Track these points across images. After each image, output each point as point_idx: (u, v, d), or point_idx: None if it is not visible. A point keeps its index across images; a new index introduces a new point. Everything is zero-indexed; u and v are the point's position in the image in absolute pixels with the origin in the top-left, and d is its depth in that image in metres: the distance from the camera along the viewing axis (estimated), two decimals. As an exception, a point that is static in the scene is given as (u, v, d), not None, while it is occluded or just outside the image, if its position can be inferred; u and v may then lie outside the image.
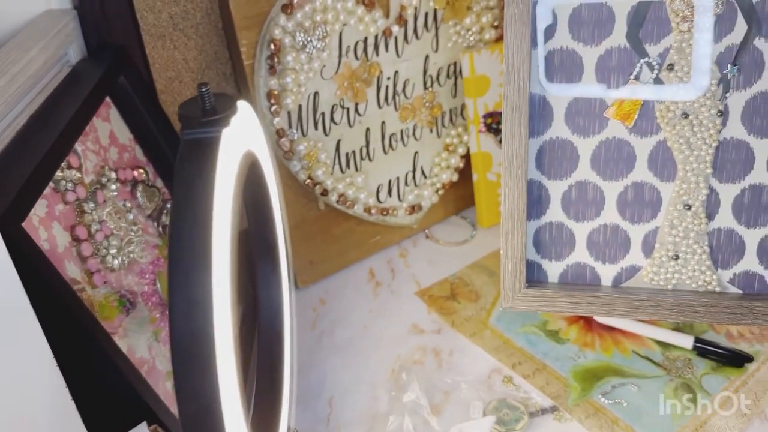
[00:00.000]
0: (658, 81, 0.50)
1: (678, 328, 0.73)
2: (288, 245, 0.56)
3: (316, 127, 0.76)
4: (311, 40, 0.72)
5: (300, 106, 0.74)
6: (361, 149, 0.81)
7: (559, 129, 0.53)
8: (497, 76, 0.83)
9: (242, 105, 0.41)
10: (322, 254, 0.83)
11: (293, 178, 0.77)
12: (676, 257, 0.54)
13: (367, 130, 0.80)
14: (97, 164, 0.58)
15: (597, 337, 0.73)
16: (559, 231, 0.56)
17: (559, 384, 0.68)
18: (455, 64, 0.84)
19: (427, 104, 0.84)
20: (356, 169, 0.81)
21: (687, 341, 0.70)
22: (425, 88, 0.83)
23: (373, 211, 0.84)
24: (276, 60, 0.70)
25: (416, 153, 0.86)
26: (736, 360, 0.69)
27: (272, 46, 0.70)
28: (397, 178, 0.85)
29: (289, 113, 0.73)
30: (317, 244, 0.82)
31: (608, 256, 0.56)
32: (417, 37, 0.80)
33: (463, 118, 0.88)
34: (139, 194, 0.62)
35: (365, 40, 0.76)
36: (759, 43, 0.49)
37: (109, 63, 0.62)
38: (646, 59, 0.51)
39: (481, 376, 0.70)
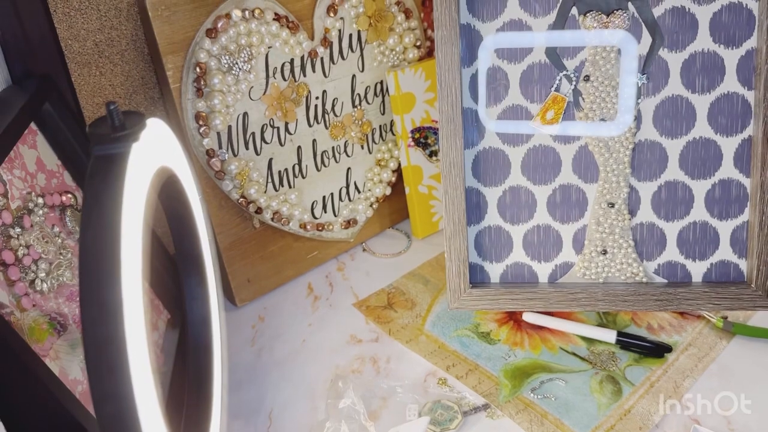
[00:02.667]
0: (576, 91, 0.55)
1: (601, 324, 0.77)
2: (216, 260, 0.58)
3: (246, 147, 0.78)
4: (237, 63, 0.74)
5: (229, 127, 0.76)
6: (293, 167, 0.83)
7: (491, 139, 0.58)
8: (422, 93, 0.87)
9: (154, 122, 0.43)
10: (259, 272, 0.84)
11: (226, 197, 0.78)
12: (605, 252, 0.59)
13: (299, 148, 0.83)
14: (24, 190, 0.59)
15: (526, 336, 0.76)
16: (497, 234, 0.60)
17: (490, 383, 0.71)
18: (382, 82, 0.88)
19: (356, 122, 0.87)
20: (290, 187, 0.83)
21: (610, 336, 0.74)
22: (354, 106, 0.86)
23: (308, 227, 0.86)
24: (203, 82, 0.72)
25: (349, 169, 0.88)
26: (657, 351, 0.73)
27: (198, 69, 0.72)
28: (331, 194, 0.87)
29: (218, 134, 0.75)
30: (254, 262, 0.83)
31: (543, 254, 0.61)
32: (343, 58, 0.83)
33: (393, 134, 0.91)
34: (68, 219, 0.63)
35: (291, 61, 0.79)
36: (663, 53, 0.55)
37: (34, 91, 0.63)
38: (565, 72, 0.56)
39: (417, 380, 0.72)
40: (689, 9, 0.54)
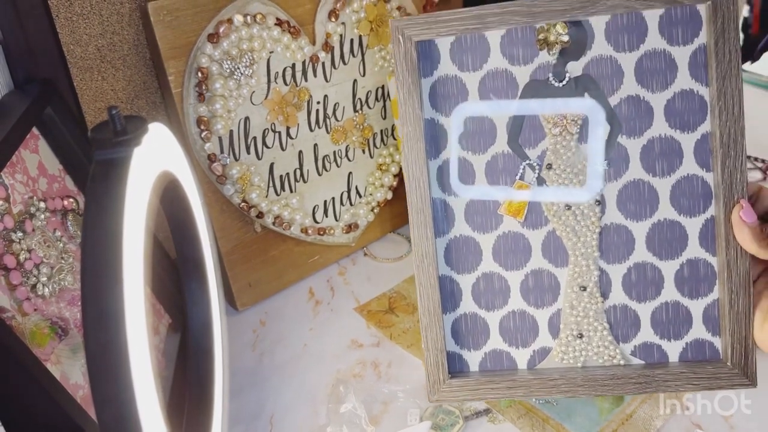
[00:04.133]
0: (540, 180, 0.58)
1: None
2: (217, 264, 0.58)
3: (248, 152, 0.78)
4: (239, 68, 0.74)
5: (231, 132, 0.76)
6: (294, 171, 0.83)
7: (461, 227, 0.59)
8: (423, 96, 0.87)
9: (156, 126, 0.43)
10: (260, 276, 0.84)
11: (228, 202, 0.78)
12: (581, 336, 0.59)
13: (300, 152, 0.83)
14: (26, 195, 0.59)
15: (527, 340, 0.76)
16: (473, 321, 0.61)
17: (492, 387, 0.71)
18: (383, 87, 0.88)
19: (358, 126, 0.87)
20: (291, 191, 0.83)
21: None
22: (355, 110, 0.86)
23: (310, 232, 0.86)
24: (204, 87, 0.72)
25: (350, 173, 0.88)
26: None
27: (200, 74, 0.72)
28: (333, 199, 0.87)
29: (220, 138, 0.75)
30: (255, 266, 0.83)
31: (520, 340, 0.61)
32: (344, 63, 0.84)
33: (394, 138, 0.91)
34: (69, 223, 0.63)
35: (293, 66, 0.79)
36: (622, 140, 0.57)
37: (36, 95, 0.63)
38: (528, 161, 0.58)
39: (418, 385, 0.72)
40: (643, 97, 0.56)
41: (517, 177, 0.58)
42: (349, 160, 0.88)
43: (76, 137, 0.65)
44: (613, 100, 0.57)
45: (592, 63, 0.56)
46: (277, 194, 0.82)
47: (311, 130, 0.83)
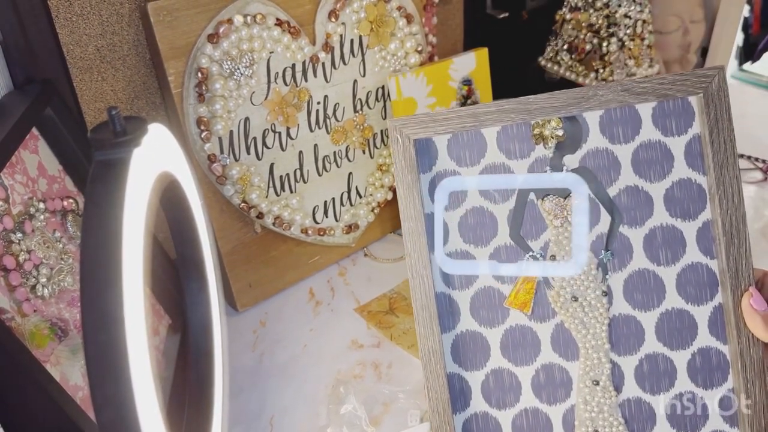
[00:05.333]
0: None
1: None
2: (217, 265, 0.58)
3: (248, 152, 0.78)
4: (239, 68, 0.74)
5: (231, 132, 0.76)
6: (295, 172, 0.83)
7: (467, 322, 0.58)
8: (423, 97, 0.87)
9: (156, 127, 0.43)
10: (260, 277, 0.84)
11: (228, 202, 0.78)
12: None
13: (300, 153, 0.83)
14: (25, 195, 0.59)
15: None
16: (485, 421, 0.58)
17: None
18: (383, 87, 0.88)
19: (358, 126, 0.87)
20: (291, 192, 0.83)
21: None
22: (355, 111, 0.86)
23: (310, 232, 0.86)
24: (204, 88, 0.72)
25: (350, 174, 0.88)
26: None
27: (200, 75, 0.72)
28: (333, 199, 0.87)
29: (219, 139, 0.75)
30: (255, 267, 0.83)
31: None
32: (344, 63, 0.83)
33: (394, 139, 0.91)
34: (69, 224, 0.63)
35: (293, 66, 0.79)
36: (623, 229, 0.57)
37: (36, 96, 0.63)
38: (531, 253, 0.57)
39: (418, 386, 0.72)
40: (642, 187, 0.56)
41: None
42: (349, 160, 0.88)
43: (76, 138, 0.65)
44: (612, 191, 0.57)
45: (588, 155, 0.57)
46: (277, 195, 0.82)
47: (311, 131, 0.83)
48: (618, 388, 0.57)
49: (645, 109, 0.56)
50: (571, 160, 0.56)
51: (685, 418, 0.57)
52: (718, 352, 0.56)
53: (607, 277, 0.57)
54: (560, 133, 0.56)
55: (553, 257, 0.57)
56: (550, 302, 0.57)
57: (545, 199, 0.57)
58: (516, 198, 0.57)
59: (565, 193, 0.57)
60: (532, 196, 0.57)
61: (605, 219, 0.57)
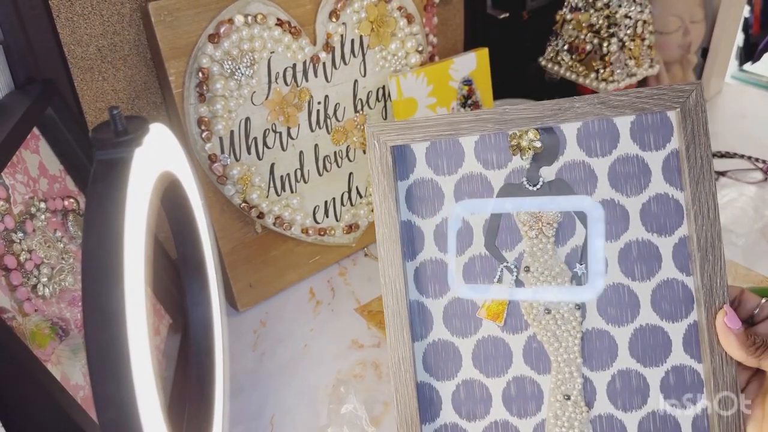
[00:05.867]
0: (518, 282, 0.57)
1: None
2: (218, 265, 0.58)
3: (249, 152, 0.78)
4: (239, 68, 0.74)
5: (232, 132, 0.76)
6: (295, 171, 0.83)
7: (439, 331, 0.57)
8: (424, 98, 0.87)
9: (157, 126, 0.43)
10: (261, 277, 0.84)
11: (228, 202, 0.78)
12: None
13: (301, 153, 0.83)
14: (26, 195, 0.59)
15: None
16: None
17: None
18: (383, 87, 0.88)
19: (358, 127, 0.87)
20: (292, 191, 0.83)
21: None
22: (356, 111, 0.86)
23: (310, 232, 0.86)
24: (205, 88, 0.72)
25: (351, 174, 0.88)
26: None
27: (200, 75, 0.72)
28: (333, 199, 0.87)
29: (220, 139, 0.75)
30: (256, 266, 0.83)
31: None
32: (345, 63, 0.83)
33: (395, 139, 0.91)
34: (70, 224, 0.63)
35: (294, 66, 0.79)
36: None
37: (37, 96, 0.63)
38: (505, 264, 0.57)
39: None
40: (618, 201, 0.56)
41: (495, 279, 0.57)
42: (349, 160, 0.88)
43: (77, 137, 0.65)
44: None
45: (565, 168, 0.56)
46: (278, 194, 0.82)
47: (312, 131, 0.83)
48: (590, 404, 0.56)
49: (623, 123, 0.55)
50: (548, 171, 0.56)
51: None
52: (693, 370, 0.55)
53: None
54: (538, 144, 0.56)
55: (527, 268, 0.57)
56: (523, 314, 0.57)
57: (521, 211, 0.57)
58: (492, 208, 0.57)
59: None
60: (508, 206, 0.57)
61: (580, 232, 0.56)
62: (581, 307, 0.56)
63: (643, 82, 1.22)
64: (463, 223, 0.57)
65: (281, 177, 0.82)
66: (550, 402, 0.56)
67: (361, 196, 0.90)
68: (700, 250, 0.54)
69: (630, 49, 1.08)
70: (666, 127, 0.55)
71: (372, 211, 0.91)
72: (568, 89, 1.10)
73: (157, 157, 0.42)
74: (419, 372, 0.57)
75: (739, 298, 0.54)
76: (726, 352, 0.52)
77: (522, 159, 0.56)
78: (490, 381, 0.57)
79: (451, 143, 0.57)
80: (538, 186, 0.56)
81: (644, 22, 1.09)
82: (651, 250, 0.56)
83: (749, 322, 0.53)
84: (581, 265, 0.56)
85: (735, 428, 0.53)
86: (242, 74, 0.74)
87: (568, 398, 0.56)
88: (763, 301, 0.53)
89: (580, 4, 1.06)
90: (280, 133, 0.80)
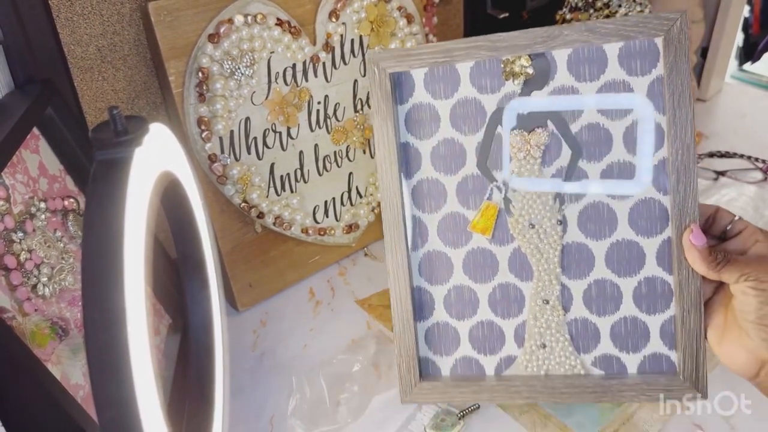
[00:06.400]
0: (506, 199, 0.62)
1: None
2: (218, 265, 0.58)
3: (248, 152, 0.78)
4: (239, 68, 0.74)
5: (231, 132, 0.76)
6: (295, 171, 0.83)
7: (434, 243, 0.64)
8: (424, 96, 0.87)
9: (157, 126, 0.43)
10: (261, 276, 0.84)
11: (228, 202, 0.78)
12: (544, 346, 0.63)
13: (301, 152, 0.83)
14: (26, 195, 0.59)
15: (528, 341, 0.76)
16: (445, 330, 0.65)
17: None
18: (383, 86, 0.87)
19: (358, 126, 0.87)
20: (291, 191, 0.83)
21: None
22: (356, 111, 0.86)
23: (310, 232, 0.86)
24: (205, 87, 0.72)
25: (351, 173, 0.88)
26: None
27: (200, 75, 0.72)
28: (333, 199, 0.87)
29: (220, 139, 0.75)
30: (256, 266, 0.83)
31: (488, 348, 0.64)
32: (345, 63, 0.83)
33: (395, 138, 0.91)
34: (70, 223, 0.63)
35: (294, 66, 0.79)
36: (582, 164, 0.61)
37: (36, 96, 0.63)
38: (495, 183, 0.62)
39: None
40: (603, 124, 0.59)
41: (486, 197, 0.62)
42: (349, 160, 0.88)
43: (77, 137, 0.65)
44: (575, 127, 0.60)
45: (554, 92, 0.59)
46: (278, 194, 0.82)
47: (312, 131, 0.83)
48: (566, 308, 0.62)
49: (612, 49, 0.58)
50: (539, 96, 0.60)
51: (627, 339, 0.62)
52: (663, 281, 0.60)
53: (564, 207, 0.61)
54: (530, 71, 0.59)
55: (515, 188, 0.62)
56: (510, 228, 0.62)
57: (511, 132, 0.61)
58: (485, 131, 0.61)
59: (529, 127, 0.60)
60: (499, 129, 0.61)
61: (566, 153, 0.60)
62: (563, 222, 0.61)
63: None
64: (457, 145, 0.62)
65: (281, 177, 0.82)
66: (530, 306, 0.63)
67: (361, 196, 0.90)
68: (674, 172, 0.57)
69: (630, 49, 1.07)
70: (652, 53, 0.57)
71: (372, 210, 0.91)
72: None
73: (157, 156, 0.42)
74: (415, 278, 0.64)
75: (714, 216, 0.58)
76: (691, 267, 0.57)
77: (514, 84, 0.60)
78: (478, 286, 0.64)
79: (448, 69, 0.60)
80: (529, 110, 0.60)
81: (644, 21, 1.08)
82: (631, 170, 0.60)
83: (722, 237, 0.58)
84: (565, 183, 0.61)
85: (697, 334, 0.59)
86: (242, 74, 0.74)
87: (547, 302, 0.62)
88: (737, 218, 0.57)
89: (579, 4, 1.06)
90: (280, 133, 0.80)
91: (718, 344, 0.57)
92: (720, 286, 0.58)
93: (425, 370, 0.65)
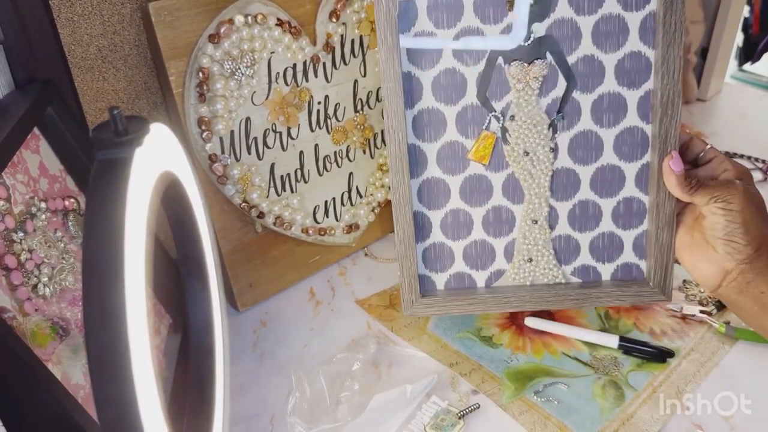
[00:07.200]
0: (503, 129, 0.66)
1: (604, 329, 0.77)
2: (218, 264, 0.58)
3: (249, 152, 0.78)
4: (240, 68, 0.74)
5: (232, 132, 0.76)
6: (295, 171, 0.83)
7: (433, 170, 0.68)
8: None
9: (157, 126, 0.43)
10: (261, 277, 0.84)
11: (229, 202, 0.78)
12: (530, 260, 0.70)
13: (301, 152, 0.83)
14: (26, 195, 0.59)
15: (528, 341, 0.76)
16: (441, 249, 0.70)
17: (494, 383, 0.71)
18: (384, 86, 0.88)
19: (358, 126, 0.87)
20: (292, 191, 0.83)
21: (612, 341, 0.74)
22: (356, 111, 0.86)
23: (310, 232, 0.86)
24: (205, 88, 0.72)
25: (351, 173, 0.88)
26: (659, 356, 0.73)
27: (201, 75, 0.72)
28: (333, 199, 0.87)
29: (221, 139, 0.75)
30: (256, 266, 0.83)
31: (480, 264, 0.71)
32: (345, 63, 0.84)
33: (395, 139, 0.91)
34: (70, 223, 0.63)
35: (294, 66, 0.79)
36: (576, 95, 0.65)
37: (37, 96, 0.63)
38: (493, 113, 0.65)
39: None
40: (597, 57, 0.64)
41: (484, 127, 0.66)
42: (349, 160, 0.88)
43: (77, 137, 0.65)
44: (571, 59, 0.64)
45: (554, 24, 0.63)
46: (278, 194, 0.82)
47: (312, 131, 0.83)
48: (552, 227, 0.69)
49: None
50: (539, 28, 0.63)
51: (604, 251, 0.69)
52: (639, 201, 0.67)
53: (556, 136, 0.66)
54: (531, 1, 0.62)
55: (512, 117, 0.65)
56: (505, 156, 0.67)
57: (511, 64, 0.64)
58: (485, 62, 0.64)
59: (529, 59, 0.64)
60: (500, 60, 0.64)
61: (561, 84, 0.64)
62: (555, 149, 0.66)
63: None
64: (458, 75, 0.64)
65: (281, 177, 0.82)
66: (520, 225, 0.69)
67: (361, 196, 0.90)
68: (662, 105, 0.63)
69: (630, 49, 1.08)
70: None
71: (372, 210, 0.91)
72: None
73: (157, 157, 0.42)
74: (415, 203, 0.69)
75: (688, 143, 0.65)
76: (667, 189, 0.63)
77: (516, 15, 0.63)
78: (472, 209, 0.69)
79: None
80: (530, 41, 0.63)
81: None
82: (620, 101, 0.65)
83: (694, 163, 0.65)
84: (559, 114, 0.65)
85: (668, 248, 0.66)
86: (242, 74, 0.75)
87: (536, 222, 0.69)
88: (708, 147, 0.64)
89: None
90: (281, 133, 0.80)
91: (687, 258, 0.65)
92: (686, 206, 0.65)
93: (423, 287, 0.71)
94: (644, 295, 0.68)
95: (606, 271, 0.69)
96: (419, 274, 0.70)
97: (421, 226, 0.69)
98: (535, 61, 0.63)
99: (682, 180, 0.62)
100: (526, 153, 0.66)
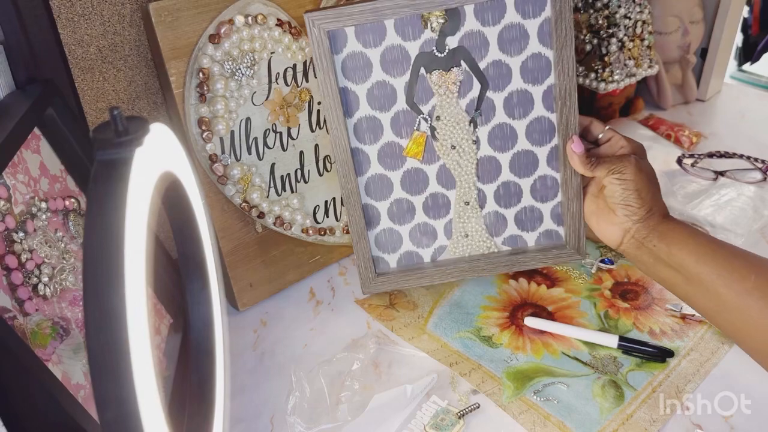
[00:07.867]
0: (432, 128, 0.75)
1: (603, 329, 0.77)
2: (218, 264, 0.58)
3: (249, 152, 0.78)
4: (240, 68, 0.74)
5: (232, 132, 0.76)
6: (296, 171, 0.83)
7: (376, 168, 0.77)
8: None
9: (158, 127, 0.43)
10: (261, 276, 0.84)
11: (229, 202, 0.79)
12: (467, 235, 0.80)
13: (301, 153, 0.83)
14: (27, 195, 0.59)
15: (528, 340, 0.76)
16: (390, 234, 0.80)
17: (493, 382, 0.71)
18: (384, 87, 0.88)
19: (358, 126, 0.87)
20: (292, 191, 0.83)
21: (612, 341, 0.74)
22: (356, 110, 0.86)
23: (310, 232, 0.86)
24: (206, 88, 0.73)
25: (351, 174, 0.88)
26: (659, 355, 0.73)
27: (201, 75, 0.72)
28: (333, 199, 0.88)
29: (221, 139, 0.75)
30: (256, 266, 0.84)
31: (424, 243, 0.81)
32: (345, 63, 0.83)
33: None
34: (71, 223, 0.63)
35: (294, 67, 0.79)
36: (490, 94, 0.74)
37: (37, 96, 0.63)
38: (422, 115, 0.75)
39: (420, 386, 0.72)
40: (504, 60, 0.72)
41: (415, 128, 0.75)
42: (349, 160, 0.88)
43: (78, 137, 0.65)
44: (482, 65, 0.72)
45: (465, 36, 0.72)
46: (278, 194, 0.82)
47: (312, 131, 0.83)
48: (482, 206, 0.79)
49: None
50: (452, 40, 0.72)
51: (527, 222, 0.79)
52: (552, 178, 0.77)
53: (477, 130, 0.75)
54: (443, 20, 0.71)
55: (438, 117, 0.74)
56: (436, 150, 0.76)
57: (432, 73, 0.73)
58: (410, 73, 0.73)
59: (447, 67, 0.73)
60: (422, 71, 0.73)
61: (476, 87, 0.73)
62: (477, 141, 0.76)
63: (642, 83, 1.22)
64: (388, 86, 0.73)
65: (281, 177, 0.82)
66: (455, 207, 0.79)
67: (361, 196, 0.90)
68: (561, 97, 0.72)
69: (629, 50, 1.08)
70: None
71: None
72: None
73: (157, 157, 0.42)
74: (363, 197, 0.78)
75: (588, 127, 0.74)
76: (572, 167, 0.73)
77: (432, 32, 0.71)
78: (413, 198, 0.78)
79: (376, 23, 0.71)
80: (445, 53, 0.72)
81: (643, 22, 1.09)
82: (527, 97, 0.74)
83: (596, 143, 0.74)
84: (476, 111, 0.74)
85: (579, 215, 0.76)
86: (243, 74, 0.75)
87: (467, 203, 0.78)
88: (606, 128, 0.73)
89: (579, 5, 1.06)
90: (281, 133, 0.80)
91: (594, 222, 0.73)
92: (591, 180, 0.74)
93: (377, 267, 0.80)
94: (563, 257, 0.79)
95: (531, 238, 0.80)
96: (373, 255, 0.80)
97: (370, 216, 0.78)
98: (452, 68, 0.73)
99: (584, 159, 0.70)
100: (453, 147, 0.76)
